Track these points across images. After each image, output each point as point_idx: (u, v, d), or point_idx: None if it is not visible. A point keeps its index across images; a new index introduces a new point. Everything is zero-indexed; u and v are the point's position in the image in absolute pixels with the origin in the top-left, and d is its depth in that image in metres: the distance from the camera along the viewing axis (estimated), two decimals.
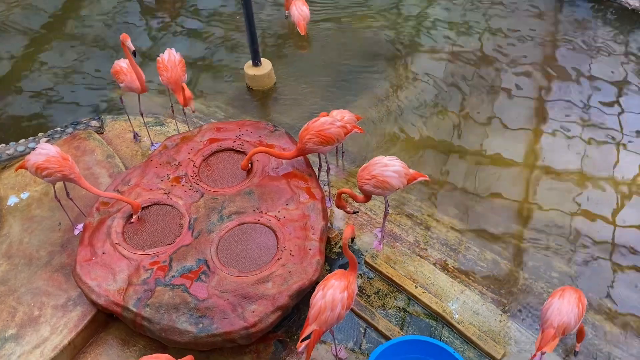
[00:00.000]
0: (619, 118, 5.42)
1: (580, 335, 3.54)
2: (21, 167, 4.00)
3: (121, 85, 4.56)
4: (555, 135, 5.31)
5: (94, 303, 3.68)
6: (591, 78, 5.84)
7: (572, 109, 5.54)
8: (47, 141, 5.01)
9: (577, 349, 3.67)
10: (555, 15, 6.68)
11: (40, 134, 5.14)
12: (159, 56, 4.55)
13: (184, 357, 3.18)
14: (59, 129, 5.19)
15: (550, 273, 4.25)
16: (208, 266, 3.71)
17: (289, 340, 3.79)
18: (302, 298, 3.68)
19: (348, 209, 4.05)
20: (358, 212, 4.20)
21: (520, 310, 3.99)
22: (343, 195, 3.94)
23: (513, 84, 5.84)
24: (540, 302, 3.96)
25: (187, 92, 4.59)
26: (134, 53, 4.27)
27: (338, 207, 4.01)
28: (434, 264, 4.22)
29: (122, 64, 4.53)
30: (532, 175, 4.98)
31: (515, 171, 5.02)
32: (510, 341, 3.75)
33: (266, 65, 5.92)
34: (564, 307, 3.21)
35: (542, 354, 3.25)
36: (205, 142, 4.53)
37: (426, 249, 4.34)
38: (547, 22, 6.58)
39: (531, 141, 5.27)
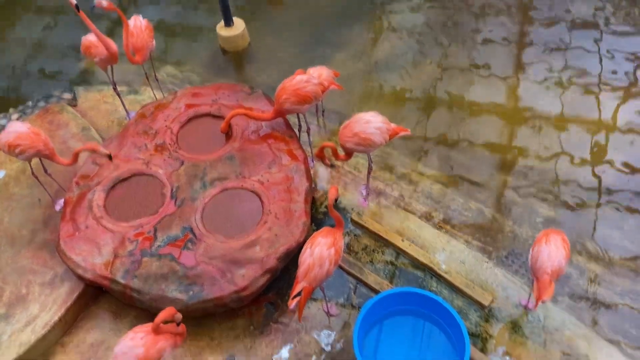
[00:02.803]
0: (599, 59, 5.38)
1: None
2: None
3: (96, 60, 4.35)
4: (535, 80, 5.27)
5: (81, 278, 3.66)
6: (570, 19, 5.77)
7: (551, 53, 5.49)
8: (19, 117, 4.88)
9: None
10: None
11: (10, 110, 5.00)
12: (126, 22, 4.38)
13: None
14: (30, 103, 5.05)
15: (534, 218, 4.29)
16: (194, 234, 3.69)
17: (280, 301, 3.82)
18: (291, 259, 3.69)
19: (326, 161, 4.01)
20: (335, 166, 4.18)
21: (506, 257, 4.05)
22: (325, 149, 3.89)
23: (491, 30, 5.75)
24: (526, 248, 4.02)
25: (111, 45, 4.24)
26: (77, 7, 3.92)
27: (317, 156, 3.96)
28: (420, 217, 4.24)
29: (91, 37, 4.30)
30: (514, 122, 4.97)
31: (496, 119, 5.00)
32: (497, 287, 3.82)
33: (239, 25, 5.75)
34: (553, 252, 3.25)
35: (543, 302, 3.26)
36: (181, 109, 4.43)
37: (411, 203, 4.36)
38: None
39: (512, 87, 5.24)
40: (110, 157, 3.89)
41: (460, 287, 3.78)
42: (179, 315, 3.05)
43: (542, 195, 4.43)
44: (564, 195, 4.42)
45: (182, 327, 3.14)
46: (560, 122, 4.92)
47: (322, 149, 3.89)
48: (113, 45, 4.28)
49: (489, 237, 4.16)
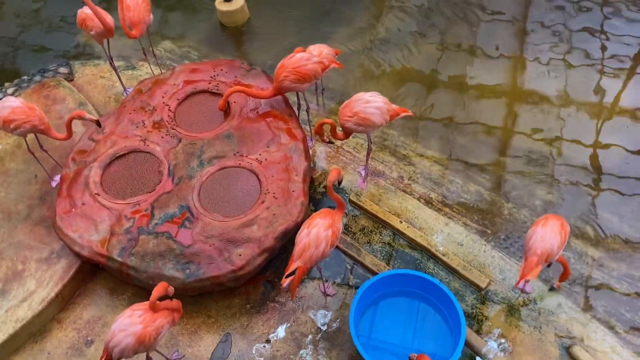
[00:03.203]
0: (601, 42, 5.32)
1: (564, 274, 3.59)
2: None
3: (92, 33, 4.28)
4: (537, 62, 5.21)
5: (77, 254, 3.65)
6: (577, 1, 5.68)
7: (554, 34, 5.41)
8: (15, 90, 4.81)
9: (556, 286, 3.73)
10: None
11: (6, 84, 4.92)
12: None
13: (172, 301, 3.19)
14: (25, 77, 4.97)
15: (533, 201, 4.28)
16: (191, 212, 3.67)
17: (277, 280, 3.82)
18: (288, 239, 3.67)
19: (324, 138, 3.97)
20: (333, 142, 4.13)
21: (504, 239, 4.04)
22: (324, 125, 3.85)
23: (495, 10, 5.66)
24: (524, 230, 4.02)
25: (107, 19, 4.16)
26: None
27: (315, 132, 3.91)
28: (418, 199, 4.22)
29: (86, 10, 4.22)
30: (514, 103, 4.92)
31: (497, 101, 4.95)
32: (494, 270, 3.82)
33: None
34: (547, 235, 3.24)
35: (526, 281, 3.30)
36: (179, 85, 4.37)
37: (410, 184, 4.33)
38: None
39: (513, 69, 5.18)
40: (99, 123, 3.86)
41: (458, 269, 3.78)
42: (172, 289, 3.07)
43: (541, 179, 4.41)
44: (564, 179, 4.39)
45: (177, 303, 3.14)
46: (563, 105, 4.87)
47: (320, 126, 3.84)
48: (109, 19, 4.19)
49: (487, 219, 4.15)
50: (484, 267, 3.83)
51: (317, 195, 4.26)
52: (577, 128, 4.71)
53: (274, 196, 3.72)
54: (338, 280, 3.84)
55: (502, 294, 3.72)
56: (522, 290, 3.69)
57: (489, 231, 4.08)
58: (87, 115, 3.76)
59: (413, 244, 3.97)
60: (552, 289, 3.73)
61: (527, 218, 4.16)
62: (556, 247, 3.25)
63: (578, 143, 4.61)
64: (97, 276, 3.90)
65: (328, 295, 3.74)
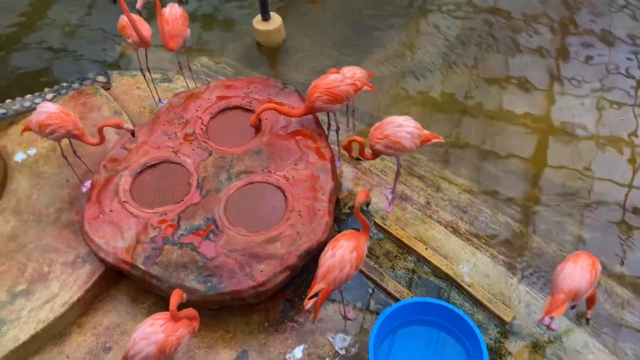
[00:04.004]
0: (637, 79, 5.22)
1: (591, 301, 3.49)
2: (26, 129, 3.96)
3: (128, 40, 4.41)
4: (571, 96, 5.14)
5: (102, 260, 3.68)
6: (611, 37, 5.61)
7: (589, 69, 5.34)
8: (54, 97, 4.94)
9: (588, 316, 3.61)
10: None
11: (46, 89, 5.05)
12: (161, 9, 4.40)
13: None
14: (65, 84, 5.09)
15: (563, 236, 4.18)
16: (216, 225, 3.68)
17: (297, 299, 3.79)
18: (311, 258, 3.65)
19: (352, 154, 3.94)
20: (361, 159, 4.10)
21: (531, 274, 3.95)
22: (354, 142, 3.84)
23: (529, 42, 5.63)
24: (552, 266, 3.91)
25: (144, 33, 4.25)
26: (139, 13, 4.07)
27: (344, 148, 3.89)
28: (445, 226, 4.16)
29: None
30: (546, 136, 4.85)
31: (529, 132, 4.89)
32: (520, 304, 3.72)
33: (276, 20, 5.74)
34: (576, 273, 3.15)
35: (551, 318, 3.21)
36: (213, 100, 4.43)
37: (437, 211, 4.28)
38: None
39: (546, 101, 5.12)
40: (133, 133, 3.95)
41: (483, 301, 3.69)
42: (185, 295, 3.11)
43: (572, 214, 4.31)
44: (595, 216, 4.29)
45: (194, 311, 3.15)
46: (596, 141, 4.78)
47: (350, 142, 3.83)
48: (145, 30, 4.30)
49: (515, 252, 4.07)
50: (509, 300, 3.74)
51: (342, 216, 4.24)
52: (610, 165, 4.61)
53: (299, 214, 3.71)
54: (359, 304, 3.78)
55: (527, 329, 3.62)
56: (548, 327, 3.58)
57: (517, 264, 3.99)
58: (125, 125, 3.83)
59: (438, 272, 3.90)
60: (581, 317, 3.61)
61: (556, 253, 4.06)
62: (585, 286, 3.16)
63: (611, 180, 4.51)
64: (119, 283, 3.92)
65: (348, 319, 3.69)
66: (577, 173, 4.57)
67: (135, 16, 4.23)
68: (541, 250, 4.08)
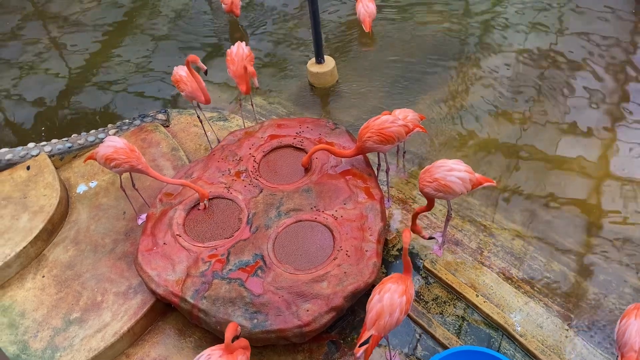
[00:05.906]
0: None
1: None
2: (90, 158, 4.15)
3: (182, 94, 4.57)
4: (631, 142, 4.96)
5: (153, 292, 3.77)
6: None
7: None
8: (116, 132, 5.19)
9: None
10: (632, 16, 6.28)
11: (109, 125, 5.33)
12: (229, 49, 4.60)
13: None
14: (127, 120, 5.36)
15: (622, 288, 3.97)
16: (264, 262, 3.72)
17: (342, 341, 3.73)
18: (357, 300, 3.61)
19: (424, 234, 3.89)
20: (434, 238, 4.06)
21: (588, 326, 3.75)
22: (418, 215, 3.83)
23: (585, 87, 5.52)
24: (611, 318, 3.72)
25: (251, 68, 4.43)
26: (206, 72, 4.22)
27: (413, 231, 3.85)
28: (497, 273, 4.04)
29: (181, 72, 4.46)
30: (605, 183, 4.68)
31: (586, 178, 4.73)
32: (576, 358, 3.54)
33: (329, 62, 5.88)
34: None
35: None
36: (266, 138, 4.54)
37: (489, 257, 4.17)
38: (623, 23, 6.19)
39: (604, 147, 4.96)
40: (205, 206, 4.11)
41: (536, 352, 3.53)
42: (239, 328, 3.19)
43: (632, 264, 4.10)
44: None
45: (245, 341, 3.21)
46: None
47: (415, 220, 3.83)
48: (207, 96, 4.48)
49: (571, 302, 3.89)
50: (563, 353, 3.56)
51: (390, 257, 4.19)
52: None
53: (346, 254, 3.70)
54: (405, 350, 3.69)
55: None
56: None
57: (572, 315, 3.81)
58: (205, 200, 4.07)
59: (488, 320, 3.77)
60: None
61: (614, 306, 3.85)
62: None
63: None
64: (168, 315, 3.99)
65: None
66: (636, 223, 4.36)
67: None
68: (598, 301, 3.89)
